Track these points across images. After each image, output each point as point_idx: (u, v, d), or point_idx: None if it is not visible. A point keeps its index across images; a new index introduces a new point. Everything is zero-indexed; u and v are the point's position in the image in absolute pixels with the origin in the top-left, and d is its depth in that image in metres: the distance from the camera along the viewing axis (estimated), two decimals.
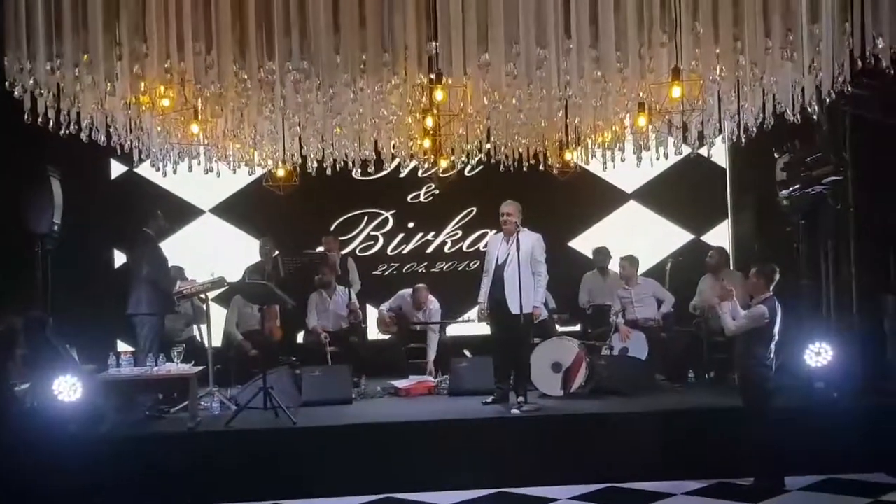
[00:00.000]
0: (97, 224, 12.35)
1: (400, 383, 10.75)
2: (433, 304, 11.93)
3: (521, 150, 10.40)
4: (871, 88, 9.15)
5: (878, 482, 8.35)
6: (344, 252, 12.96)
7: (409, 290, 12.02)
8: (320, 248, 12.44)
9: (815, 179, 10.04)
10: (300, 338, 12.09)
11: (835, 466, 8.56)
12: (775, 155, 10.85)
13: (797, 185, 10.23)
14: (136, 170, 12.43)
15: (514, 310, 9.32)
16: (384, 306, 12.01)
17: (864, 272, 10.00)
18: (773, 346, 8.04)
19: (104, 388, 8.92)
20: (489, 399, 9.66)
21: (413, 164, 11.02)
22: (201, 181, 10.94)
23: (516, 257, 9.37)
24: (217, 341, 10.81)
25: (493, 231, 10.75)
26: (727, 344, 9.73)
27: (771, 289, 8.10)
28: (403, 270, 13.41)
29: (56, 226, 10.39)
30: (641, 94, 8.21)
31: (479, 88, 7.68)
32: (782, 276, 8.26)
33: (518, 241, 9.41)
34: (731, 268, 12.04)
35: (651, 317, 11.39)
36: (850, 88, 7.43)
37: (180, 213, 13.03)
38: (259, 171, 11.19)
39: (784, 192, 10.51)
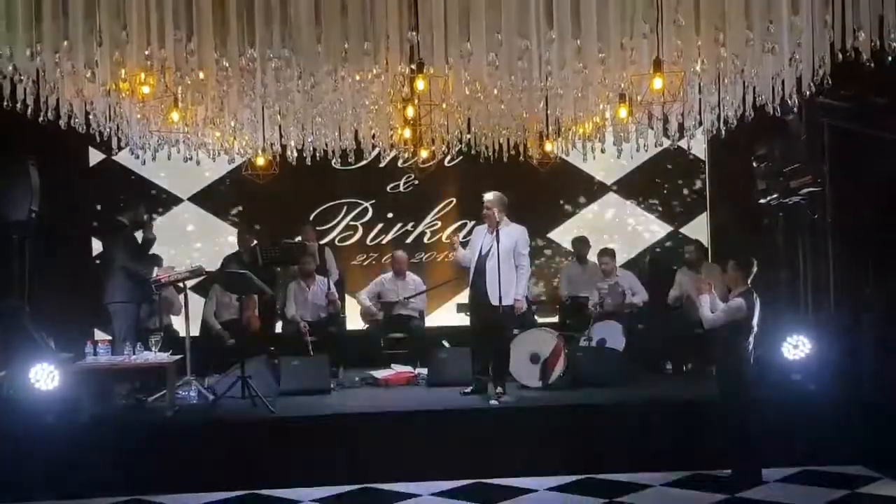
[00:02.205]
0: (75, 212, 12.29)
1: (379, 373, 10.74)
2: (414, 276, 12.07)
3: (501, 140, 10.39)
4: (847, 100, 9.19)
5: (855, 474, 8.42)
6: (323, 242, 12.92)
7: (387, 275, 12.05)
8: (299, 238, 12.39)
9: (792, 190, 10.09)
10: (279, 327, 12.05)
11: (812, 458, 8.61)
12: (754, 164, 10.88)
13: (775, 195, 10.27)
14: (114, 157, 12.38)
15: (494, 301, 9.33)
16: (363, 295, 11.95)
17: (841, 267, 10.03)
18: (751, 338, 8.09)
19: (81, 376, 8.88)
20: (468, 389, 9.68)
21: (393, 153, 10.99)
22: (180, 169, 10.90)
23: (498, 249, 9.33)
24: (195, 330, 10.75)
25: (474, 222, 10.74)
26: (705, 336, 9.78)
27: (749, 282, 8.14)
28: (382, 260, 13.35)
29: (33, 213, 10.32)
30: (622, 86, 8.21)
31: (460, 78, 7.67)
32: (760, 269, 8.30)
33: (500, 233, 9.39)
34: (709, 260, 12.09)
35: (630, 302, 11.46)
36: (826, 99, 7.46)
37: (158, 201, 12.99)
38: (238, 160, 11.13)
39: (762, 201, 10.55)
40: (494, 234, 9.43)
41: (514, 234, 9.58)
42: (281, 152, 10.29)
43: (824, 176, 9.84)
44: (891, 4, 6.54)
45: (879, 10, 6.58)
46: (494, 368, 9.60)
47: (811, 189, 9.92)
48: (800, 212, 10.41)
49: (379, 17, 7.02)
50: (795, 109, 8.59)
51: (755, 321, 8.07)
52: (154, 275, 9.82)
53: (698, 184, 13.72)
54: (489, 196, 9.69)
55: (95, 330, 11.77)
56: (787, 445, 8.51)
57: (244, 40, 7.00)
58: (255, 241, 12.16)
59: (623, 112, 8.80)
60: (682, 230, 13.75)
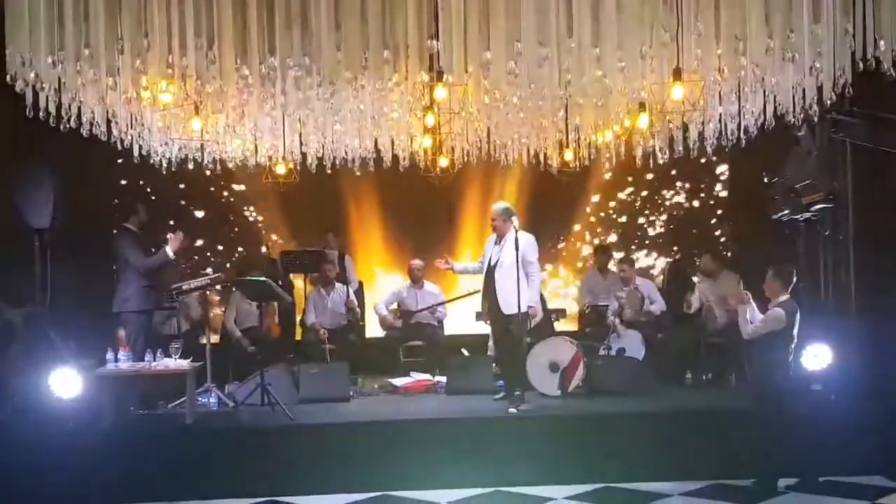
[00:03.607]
0: (96, 219, 12.34)
1: (398, 381, 10.74)
2: (433, 286, 12.05)
3: (521, 149, 10.40)
4: (860, 115, 9.14)
5: (875, 485, 8.36)
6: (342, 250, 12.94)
7: (404, 284, 12.05)
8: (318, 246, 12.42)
9: (804, 207, 10.03)
10: (298, 335, 12.07)
11: (832, 469, 8.54)
12: (765, 179, 10.84)
13: (786, 211, 10.22)
14: (135, 164, 12.42)
15: (506, 310, 9.34)
16: (380, 307, 11.97)
17: (863, 277, 9.97)
18: (791, 348, 8.06)
19: (103, 383, 8.90)
20: (499, 396, 9.71)
21: (412, 161, 11.01)
22: (200, 177, 10.92)
23: (506, 258, 9.33)
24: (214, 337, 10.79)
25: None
26: (725, 345, 9.78)
27: (789, 291, 8.10)
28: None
29: (55, 220, 10.38)
30: (642, 94, 8.21)
31: (480, 87, 7.68)
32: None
33: (508, 242, 9.35)
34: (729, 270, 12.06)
35: (648, 310, 11.43)
36: (840, 115, 7.42)
37: (179, 208, 13.04)
38: (259, 168, 11.17)
39: (775, 216, 10.52)
40: (502, 243, 9.43)
41: (521, 242, 9.53)
42: (301, 160, 10.34)
43: (836, 192, 9.78)
44: None
45: None
46: (512, 377, 9.60)
47: (823, 206, 9.87)
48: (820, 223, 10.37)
49: (399, 26, 7.05)
50: (814, 121, 8.54)
51: (795, 331, 8.03)
52: (170, 254, 9.80)
53: (718, 193, 13.69)
54: (495, 207, 9.66)
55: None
56: (807, 456, 8.44)
57: (265, 48, 7.03)
58: (275, 249, 12.18)
59: (643, 120, 8.81)
60: (702, 238, 13.71)
